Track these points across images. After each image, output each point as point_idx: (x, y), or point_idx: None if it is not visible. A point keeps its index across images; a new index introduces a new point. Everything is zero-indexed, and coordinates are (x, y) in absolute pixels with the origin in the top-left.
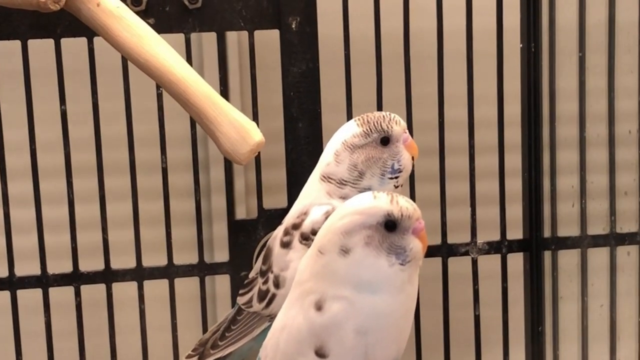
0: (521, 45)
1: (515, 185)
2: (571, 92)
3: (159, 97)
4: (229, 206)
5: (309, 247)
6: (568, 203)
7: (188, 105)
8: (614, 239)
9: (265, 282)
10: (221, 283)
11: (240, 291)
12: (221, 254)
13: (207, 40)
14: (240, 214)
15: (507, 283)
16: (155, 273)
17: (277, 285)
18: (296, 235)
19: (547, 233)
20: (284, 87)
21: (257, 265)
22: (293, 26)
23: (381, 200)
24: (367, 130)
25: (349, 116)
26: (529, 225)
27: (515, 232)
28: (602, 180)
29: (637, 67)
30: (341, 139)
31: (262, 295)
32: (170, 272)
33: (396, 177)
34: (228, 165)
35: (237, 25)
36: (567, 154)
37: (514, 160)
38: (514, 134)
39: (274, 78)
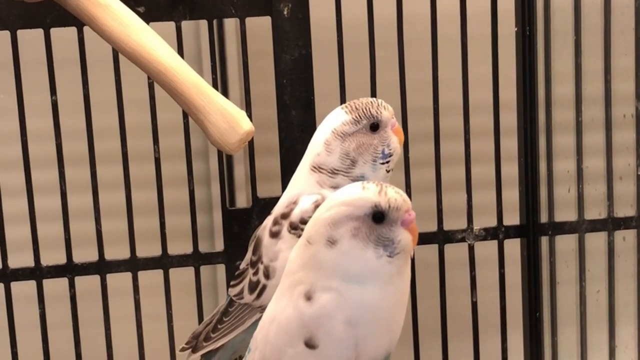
0: (516, 29)
1: (511, 170)
2: (567, 75)
3: (151, 86)
4: (222, 195)
5: (298, 236)
6: (564, 187)
7: (176, 94)
8: (611, 224)
9: (256, 273)
10: (218, 272)
11: (232, 282)
12: (218, 243)
13: (203, 28)
14: (236, 202)
15: (504, 269)
16: (150, 263)
17: (267, 276)
18: (285, 224)
19: (544, 218)
20: (277, 75)
21: (248, 256)
22: (285, 12)
23: (369, 192)
24: (356, 117)
25: (342, 102)
26: (525, 211)
27: (512, 217)
28: (598, 164)
29: (632, 49)
30: (330, 128)
31: (252, 287)
32: (164, 262)
33: (387, 162)
34: (221, 154)
35: (228, 13)
36: (563, 138)
37: (510, 144)
38: (509, 118)
39: (269, 66)
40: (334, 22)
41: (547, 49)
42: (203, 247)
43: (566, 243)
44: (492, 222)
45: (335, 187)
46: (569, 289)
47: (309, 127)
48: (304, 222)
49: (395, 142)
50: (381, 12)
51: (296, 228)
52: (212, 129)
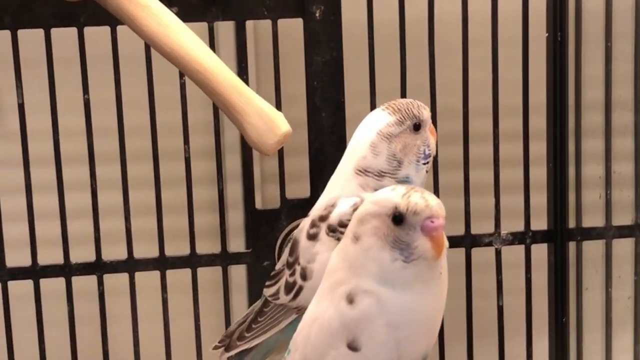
0: (547, 34)
1: (540, 174)
2: (597, 80)
3: (182, 86)
4: (248, 195)
5: (337, 239)
6: (593, 193)
7: (214, 94)
8: (638, 230)
9: (292, 274)
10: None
11: (267, 283)
12: (237, 243)
13: (223, 30)
14: (259, 203)
15: (530, 274)
16: (178, 262)
17: (304, 277)
18: (323, 227)
19: (571, 223)
20: (308, 77)
21: (284, 257)
22: (317, 15)
23: (395, 193)
24: (400, 118)
25: (372, 105)
26: (553, 216)
27: (540, 222)
28: (627, 170)
29: None
30: (375, 130)
31: (289, 287)
32: (193, 261)
33: (427, 162)
34: (247, 153)
35: (260, 14)
36: (592, 142)
37: (539, 148)
38: (539, 122)
39: (294, 67)
40: (365, 24)
41: (577, 53)
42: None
43: (594, 248)
44: (520, 227)
45: (381, 189)
46: (595, 294)
47: (339, 129)
48: (342, 225)
49: (433, 142)
50: (412, 13)
51: (334, 231)
52: (250, 130)
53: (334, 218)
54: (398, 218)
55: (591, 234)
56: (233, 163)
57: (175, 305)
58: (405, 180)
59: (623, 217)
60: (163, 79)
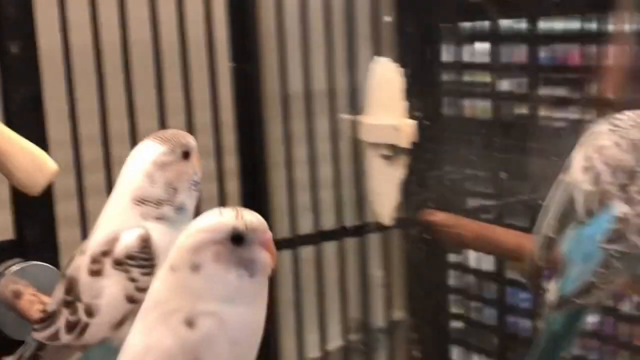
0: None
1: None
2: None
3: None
4: None
5: (125, 272)
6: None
7: None
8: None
9: (74, 313)
10: None
11: (36, 327)
12: None
13: None
14: None
15: None
16: None
17: (89, 314)
18: (107, 262)
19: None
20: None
21: (57, 298)
22: (13, 50)
23: (227, 216)
24: (171, 147)
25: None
26: None
27: None
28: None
29: None
30: (149, 160)
31: (71, 326)
32: None
33: (197, 188)
34: None
35: None
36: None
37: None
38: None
39: None
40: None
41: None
42: None
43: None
44: None
45: (161, 217)
46: None
47: None
48: (130, 257)
49: (199, 168)
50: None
51: (121, 264)
52: (19, 171)
53: (119, 252)
54: (237, 238)
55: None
56: None
57: None
58: (182, 207)
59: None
60: None
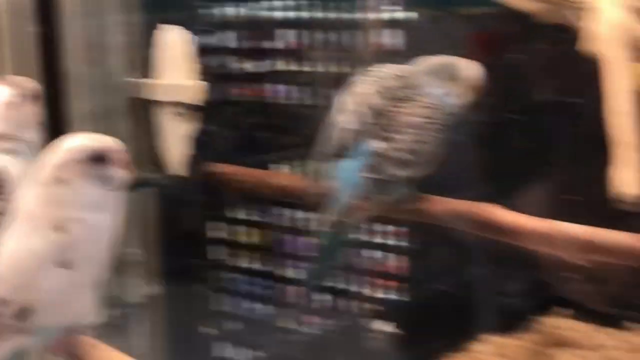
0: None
1: None
2: None
3: None
4: None
5: None
6: None
7: None
8: None
9: None
10: None
11: None
12: None
13: None
14: None
15: None
16: None
17: None
18: None
19: None
20: None
21: None
22: None
23: (88, 139)
24: (21, 90)
25: None
26: None
27: None
28: None
29: None
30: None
31: None
32: None
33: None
34: None
35: None
36: None
37: None
38: None
39: None
40: None
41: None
42: None
43: None
44: None
45: (13, 152)
46: None
47: None
48: None
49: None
50: None
51: None
52: None
53: None
54: (98, 157)
55: None
56: None
57: None
58: (31, 143)
59: None
60: None
